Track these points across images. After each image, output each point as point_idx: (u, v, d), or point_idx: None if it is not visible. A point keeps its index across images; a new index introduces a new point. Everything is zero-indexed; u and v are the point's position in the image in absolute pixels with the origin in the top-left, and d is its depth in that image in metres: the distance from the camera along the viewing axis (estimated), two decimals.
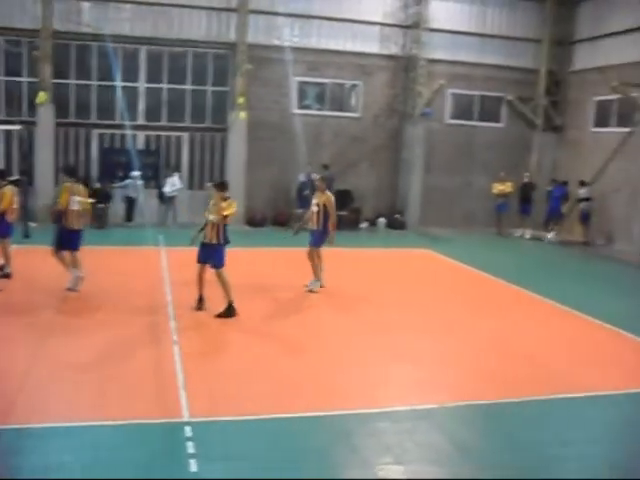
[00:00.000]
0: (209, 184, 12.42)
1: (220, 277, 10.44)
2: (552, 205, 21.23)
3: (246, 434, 6.50)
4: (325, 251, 12.84)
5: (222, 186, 10.67)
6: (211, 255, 10.43)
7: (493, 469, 6.10)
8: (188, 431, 6.35)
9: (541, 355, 9.52)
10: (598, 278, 16.32)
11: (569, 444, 6.67)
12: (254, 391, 7.54)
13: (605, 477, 6.06)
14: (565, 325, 11.41)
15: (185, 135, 21.11)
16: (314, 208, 12.63)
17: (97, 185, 19.44)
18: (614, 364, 9.32)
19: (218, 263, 10.42)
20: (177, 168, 20.67)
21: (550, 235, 21.09)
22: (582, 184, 20.76)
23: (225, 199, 10.45)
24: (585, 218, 20.81)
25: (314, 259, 12.68)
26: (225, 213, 10.35)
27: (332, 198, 12.68)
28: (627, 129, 20.35)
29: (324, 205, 12.49)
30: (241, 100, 20.31)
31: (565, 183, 21.18)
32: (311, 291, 12.55)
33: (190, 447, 6.05)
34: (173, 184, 19.97)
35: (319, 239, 12.60)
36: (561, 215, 21.24)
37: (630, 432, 7.13)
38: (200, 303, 10.69)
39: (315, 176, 20.50)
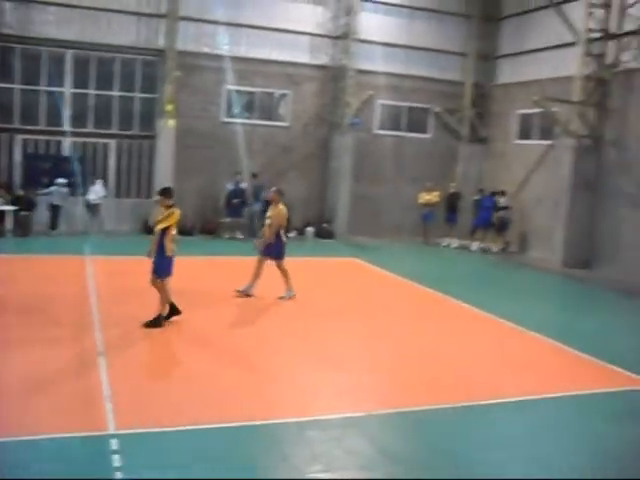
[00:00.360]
0: (156, 194, 12.20)
1: (160, 287, 10.35)
2: (483, 215, 21.73)
3: (175, 445, 6.42)
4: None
5: (163, 193, 10.52)
6: (155, 264, 10.33)
7: (419, 475, 6.21)
8: (114, 444, 6.23)
9: (464, 362, 9.73)
10: (521, 285, 16.83)
11: (491, 449, 6.86)
12: (185, 401, 7.46)
13: (524, 477, 6.27)
14: (487, 331, 11.72)
15: (112, 142, 20.70)
16: (267, 221, 12.68)
17: (20, 192, 18.95)
18: (533, 370, 9.62)
19: (161, 273, 10.31)
20: (102, 175, 20.28)
21: (494, 246, 21.57)
22: (502, 193, 21.53)
23: (168, 207, 10.32)
24: (502, 226, 21.48)
25: (284, 271, 12.78)
26: (159, 227, 10.22)
27: (283, 212, 12.73)
28: (548, 142, 21.10)
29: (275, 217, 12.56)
30: (170, 107, 20.07)
31: (493, 194, 21.76)
32: (282, 298, 12.68)
33: (116, 460, 5.94)
34: (97, 192, 19.63)
35: (278, 251, 12.66)
36: (492, 225, 21.76)
37: (548, 436, 7.35)
38: (170, 311, 10.49)
39: (245, 185, 20.57)
